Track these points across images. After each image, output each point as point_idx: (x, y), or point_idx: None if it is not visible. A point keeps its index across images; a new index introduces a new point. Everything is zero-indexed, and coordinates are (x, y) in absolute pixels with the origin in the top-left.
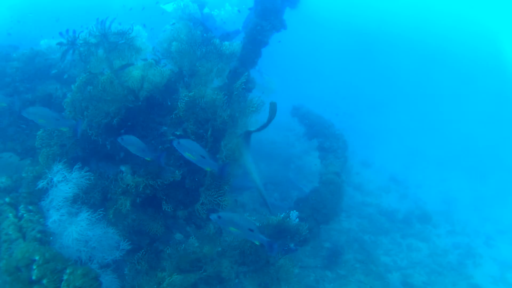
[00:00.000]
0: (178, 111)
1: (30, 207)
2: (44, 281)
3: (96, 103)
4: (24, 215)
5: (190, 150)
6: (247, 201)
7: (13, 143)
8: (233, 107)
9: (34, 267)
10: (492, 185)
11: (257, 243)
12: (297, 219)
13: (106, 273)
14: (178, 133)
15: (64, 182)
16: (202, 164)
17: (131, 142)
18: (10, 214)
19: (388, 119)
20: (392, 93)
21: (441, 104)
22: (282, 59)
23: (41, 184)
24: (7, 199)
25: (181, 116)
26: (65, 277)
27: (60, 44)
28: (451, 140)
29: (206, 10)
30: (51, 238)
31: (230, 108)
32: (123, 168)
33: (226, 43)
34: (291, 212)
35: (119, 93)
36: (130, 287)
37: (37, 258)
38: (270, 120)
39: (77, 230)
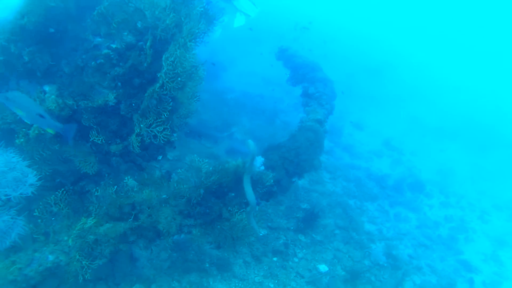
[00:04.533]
0: (100, 6)
1: None
2: None
3: None
4: None
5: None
6: (222, 153)
7: None
8: (179, 9)
9: None
10: (492, 159)
11: None
12: (262, 167)
13: (7, 212)
14: (114, 46)
15: None
16: (43, 124)
17: None
18: None
19: (389, 83)
20: (395, 57)
21: (445, 73)
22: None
23: None
24: None
25: (104, 13)
26: None
27: None
28: (453, 111)
29: None
30: None
31: (175, 11)
32: (47, 88)
33: None
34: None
35: None
36: (43, 233)
37: None
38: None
39: None
